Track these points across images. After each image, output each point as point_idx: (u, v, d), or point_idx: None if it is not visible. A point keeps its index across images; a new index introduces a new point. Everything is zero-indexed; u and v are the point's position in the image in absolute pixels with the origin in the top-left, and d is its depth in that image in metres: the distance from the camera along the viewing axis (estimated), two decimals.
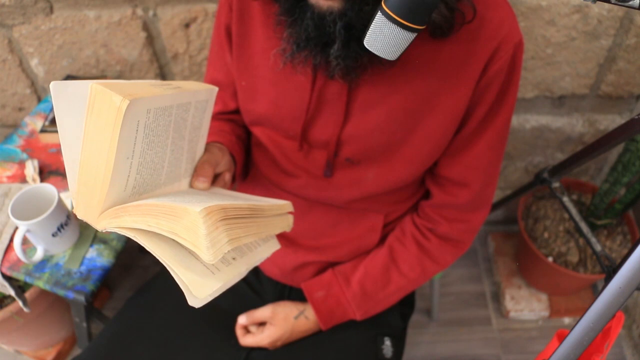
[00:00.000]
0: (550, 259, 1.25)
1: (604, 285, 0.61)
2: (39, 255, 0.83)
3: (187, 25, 1.08)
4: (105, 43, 1.11)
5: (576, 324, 0.62)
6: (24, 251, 0.81)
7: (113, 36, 1.09)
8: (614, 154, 1.33)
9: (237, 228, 0.48)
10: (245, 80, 0.71)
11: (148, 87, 0.48)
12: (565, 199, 0.94)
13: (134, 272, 1.53)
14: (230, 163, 0.69)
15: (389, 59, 0.50)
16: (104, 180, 0.46)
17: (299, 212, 0.78)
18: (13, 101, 1.25)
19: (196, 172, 0.61)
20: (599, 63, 1.10)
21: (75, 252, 0.87)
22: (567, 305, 1.39)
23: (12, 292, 0.89)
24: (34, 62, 1.15)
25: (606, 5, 0.99)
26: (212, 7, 1.05)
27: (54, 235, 0.82)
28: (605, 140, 0.79)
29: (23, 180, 0.98)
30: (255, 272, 0.89)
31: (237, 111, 0.81)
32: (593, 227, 1.26)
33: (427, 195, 0.80)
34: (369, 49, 0.50)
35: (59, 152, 1.03)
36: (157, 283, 0.85)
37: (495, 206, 1.14)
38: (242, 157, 0.79)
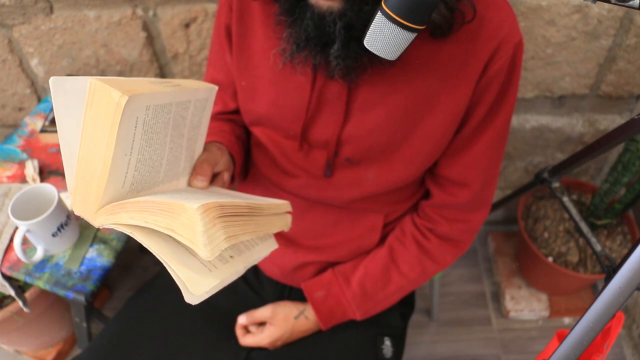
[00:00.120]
0: (550, 259, 1.25)
1: (604, 285, 0.61)
2: (39, 255, 0.83)
3: (187, 25, 1.08)
4: (105, 43, 1.11)
5: (576, 324, 0.62)
6: (24, 251, 0.81)
7: (113, 36, 1.09)
8: (614, 154, 1.33)
9: (234, 226, 0.48)
10: (245, 80, 0.71)
11: (147, 84, 0.48)
12: (565, 199, 0.94)
13: (134, 272, 1.53)
14: (229, 162, 0.69)
15: (389, 59, 0.50)
16: (102, 176, 0.46)
17: (299, 212, 0.79)
18: (13, 101, 1.25)
19: (195, 171, 0.61)
20: (599, 63, 1.10)
21: (75, 252, 0.87)
22: (567, 305, 1.39)
23: (12, 292, 0.89)
24: (34, 62, 1.15)
25: (606, 5, 0.99)
26: (212, 7, 1.05)
27: (54, 235, 0.82)
28: (605, 140, 0.79)
29: (23, 180, 0.98)
30: (255, 272, 0.89)
31: (237, 111, 0.81)
32: (593, 227, 1.26)
33: (427, 195, 0.80)
34: (369, 49, 0.50)
35: (59, 152, 1.03)
36: (157, 283, 0.85)
37: (495, 206, 1.14)
38: (241, 157, 0.79)
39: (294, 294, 0.85)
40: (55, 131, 1.00)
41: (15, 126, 1.32)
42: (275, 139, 0.73)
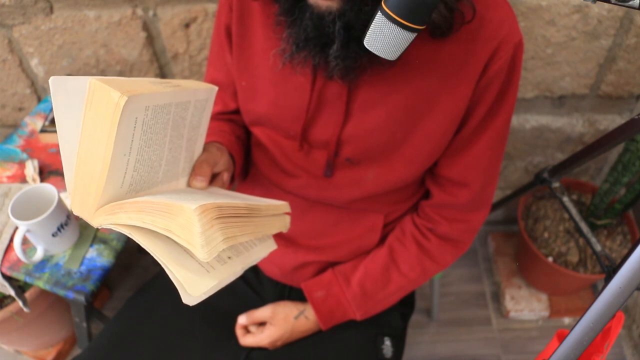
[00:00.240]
0: (550, 259, 1.25)
1: (604, 285, 0.61)
2: (39, 255, 0.83)
3: (187, 25, 1.08)
4: (105, 43, 1.11)
5: (576, 324, 0.62)
6: (24, 251, 0.81)
7: (113, 36, 1.09)
8: (614, 154, 1.33)
9: (232, 227, 0.48)
10: (245, 80, 0.71)
11: (147, 85, 0.48)
12: (565, 199, 0.94)
13: (134, 272, 1.53)
14: (229, 163, 0.69)
15: (389, 59, 0.50)
16: (101, 176, 0.46)
17: (299, 212, 0.79)
18: (13, 101, 1.25)
19: (194, 171, 0.61)
20: (599, 63, 1.10)
21: (75, 252, 0.87)
22: (567, 305, 1.39)
23: (12, 292, 0.89)
24: (34, 62, 1.15)
25: (606, 5, 0.99)
26: (212, 7, 1.05)
27: (54, 235, 0.82)
28: (605, 140, 0.79)
29: (23, 180, 0.98)
30: (255, 272, 0.89)
31: (237, 111, 0.81)
32: (593, 227, 1.26)
33: (427, 195, 0.80)
34: (369, 49, 0.50)
35: (58, 152, 1.02)
36: (157, 283, 0.85)
37: (495, 206, 1.14)
38: (241, 157, 0.79)
39: (294, 294, 0.85)
40: (55, 131, 1.00)
41: (15, 126, 1.32)
42: (276, 139, 0.73)
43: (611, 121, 1.25)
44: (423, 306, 1.43)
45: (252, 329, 0.81)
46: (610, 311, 0.59)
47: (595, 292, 1.43)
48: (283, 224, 0.61)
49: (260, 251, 0.60)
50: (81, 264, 0.86)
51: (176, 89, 0.51)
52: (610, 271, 0.69)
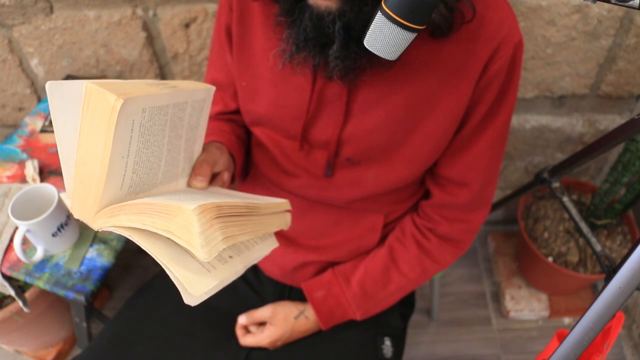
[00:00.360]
0: (550, 259, 1.25)
1: (604, 285, 0.61)
2: (39, 255, 0.83)
3: (187, 25, 1.08)
4: (105, 43, 1.11)
5: (576, 324, 0.62)
6: (24, 251, 0.81)
7: (113, 36, 1.09)
8: (614, 154, 1.33)
9: (232, 226, 0.48)
10: (246, 80, 0.71)
11: (143, 87, 0.48)
12: (565, 199, 0.94)
13: (134, 272, 1.53)
14: (229, 162, 0.69)
15: (389, 59, 0.50)
16: (100, 179, 0.46)
17: (299, 212, 0.79)
18: (13, 101, 1.25)
19: (194, 171, 0.61)
20: (599, 63, 1.10)
21: (75, 252, 0.87)
22: (567, 305, 1.39)
23: (12, 292, 0.89)
24: (34, 62, 1.15)
25: (606, 5, 0.99)
26: (212, 7, 1.05)
27: (54, 235, 0.82)
28: (605, 140, 0.79)
29: (23, 180, 0.98)
30: (255, 272, 0.89)
31: (237, 111, 0.81)
32: (593, 227, 1.26)
33: (427, 195, 0.80)
34: (369, 49, 0.50)
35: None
36: (157, 283, 0.85)
37: (495, 206, 1.14)
38: (241, 157, 0.79)
39: (294, 294, 0.85)
40: None
41: (15, 126, 1.32)
42: (276, 139, 0.73)
43: (611, 121, 1.25)
44: (423, 306, 1.43)
45: (252, 329, 0.81)
46: (610, 311, 0.59)
47: (595, 292, 1.43)
48: (284, 222, 0.61)
49: (261, 249, 0.60)
50: (81, 264, 0.86)
51: (173, 90, 0.51)
52: (610, 271, 0.69)
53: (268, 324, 0.79)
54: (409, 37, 0.48)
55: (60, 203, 0.81)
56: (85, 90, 0.44)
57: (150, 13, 1.06)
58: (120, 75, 1.18)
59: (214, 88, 0.60)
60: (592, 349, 0.65)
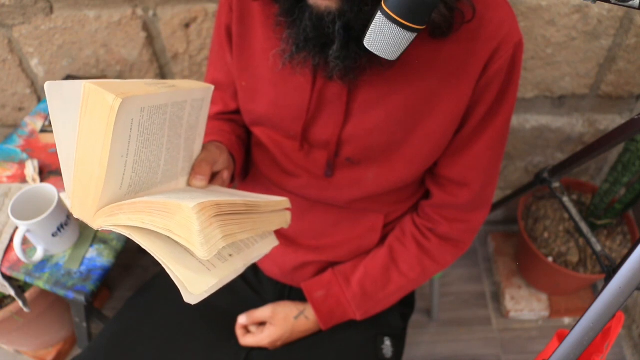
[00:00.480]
0: (550, 259, 1.25)
1: (604, 285, 0.61)
2: (39, 255, 0.83)
3: (187, 25, 1.08)
4: (105, 43, 1.11)
5: (576, 324, 0.62)
6: (24, 251, 0.81)
7: (113, 36, 1.09)
8: (614, 154, 1.33)
9: (232, 224, 0.48)
10: (246, 80, 0.71)
11: (142, 86, 0.48)
12: (565, 199, 0.94)
13: (134, 272, 1.53)
14: (228, 161, 0.69)
15: (389, 59, 0.50)
16: (99, 178, 0.46)
17: (300, 212, 0.79)
18: (13, 101, 1.25)
19: (193, 171, 0.61)
20: (599, 63, 1.10)
21: (75, 252, 0.87)
22: (567, 305, 1.39)
23: (12, 292, 0.89)
24: (34, 62, 1.15)
25: (606, 5, 0.99)
26: (212, 7, 1.05)
27: (54, 235, 0.82)
28: (605, 140, 0.79)
29: (23, 180, 0.98)
30: (255, 271, 0.89)
31: (237, 111, 0.81)
32: (593, 227, 1.26)
33: (427, 195, 0.80)
34: (369, 49, 0.50)
35: None
36: (157, 283, 0.85)
37: (495, 206, 1.14)
38: (241, 156, 0.79)
39: (294, 294, 0.85)
40: None
41: (15, 126, 1.32)
42: (276, 139, 0.73)
43: (611, 121, 1.25)
44: (423, 306, 1.43)
45: (252, 329, 0.81)
46: (610, 311, 0.59)
47: (595, 292, 1.43)
48: (284, 220, 0.61)
49: (261, 248, 0.60)
50: (81, 264, 0.86)
51: (172, 89, 0.51)
52: (610, 271, 0.69)
53: (268, 324, 0.79)
54: (409, 37, 0.48)
55: (60, 203, 0.81)
56: (83, 90, 0.44)
57: (150, 13, 1.06)
58: (120, 75, 1.18)
59: (212, 87, 0.60)
60: (592, 349, 0.65)
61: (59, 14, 1.06)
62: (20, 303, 0.94)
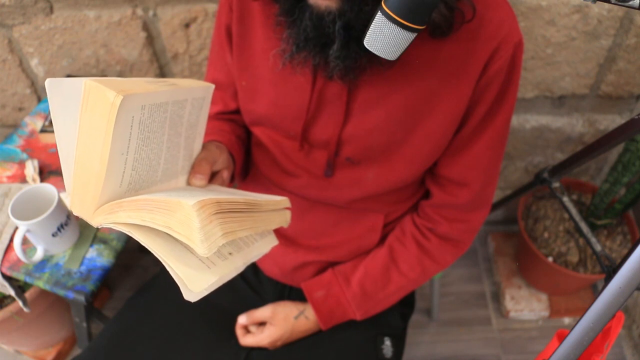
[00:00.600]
0: (550, 259, 1.25)
1: (604, 285, 0.61)
2: (39, 255, 0.83)
3: (187, 25, 1.08)
4: (105, 43, 1.11)
5: (576, 324, 0.62)
6: (24, 251, 0.81)
7: (113, 36, 1.09)
8: (614, 154, 1.33)
9: (231, 222, 0.48)
10: (246, 80, 0.71)
11: (143, 84, 0.48)
12: (565, 199, 0.94)
13: (134, 272, 1.53)
14: (228, 161, 0.69)
15: (389, 59, 0.50)
16: (99, 176, 0.46)
17: (300, 212, 0.79)
18: (13, 101, 1.25)
19: (193, 169, 0.61)
20: (599, 63, 1.10)
21: (75, 252, 0.87)
22: (567, 305, 1.39)
23: (12, 292, 0.89)
24: (34, 62, 1.15)
25: (606, 5, 0.99)
26: (212, 7, 1.05)
27: (54, 235, 0.82)
28: (605, 140, 0.79)
29: (23, 180, 0.98)
30: (255, 271, 0.89)
31: (237, 111, 0.81)
32: (593, 227, 1.26)
33: (427, 195, 0.80)
34: (369, 49, 0.50)
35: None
36: (157, 283, 0.85)
37: (495, 206, 1.14)
38: (241, 156, 0.79)
39: (294, 294, 0.85)
40: None
41: (15, 126, 1.32)
42: (276, 139, 0.73)
43: (611, 121, 1.25)
44: (423, 306, 1.43)
45: (252, 328, 0.81)
46: (610, 311, 0.59)
47: (595, 292, 1.43)
48: (283, 219, 0.61)
49: (261, 247, 0.60)
50: (81, 264, 0.86)
51: (172, 87, 0.51)
52: (610, 271, 0.69)
53: (268, 324, 0.79)
54: (409, 37, 0.48)
55: (60, 203, 0.81)
56: (84, 87, 0.44)
57: (150, 13, 1.06)
58: (120, 75, 1.18)
59: (213, 86, 0.60)
60: (592, 349, 0.65)
61: (59, 14, 1.06)
62: (20, 303, 0.94)
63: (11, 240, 0.88)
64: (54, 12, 1.06)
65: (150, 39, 1.11)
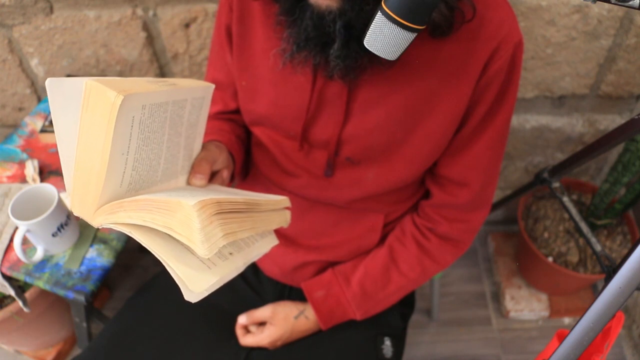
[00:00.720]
0: (550, 259, 1.25)
1: (604, 285, 0.61)
2: (39, 255, 0.83)
3: (187, 25, 1.08)
4: (105, 43, 1.11)
5: (576, 324, 0.62)
6: (24, 251, 0.81)
7: (113, 36, 1.09)
8: (614, 154, 1.33)
9: (232, 222, 0.48)
10: (246, 80, 0.71)
11: (143, 84, 0.48)
12: (565, 199, 0.94)
13: (134, 272, 1.53)
14: (228, 161, 0.69)
15: (389, 59, 0.50)
16: (99, 176, 0.46)
17: (300, 212, 0.79)
18: (13, 101, 1.25)
19: (193, 169, 0.61)
20: (599, 63, 1.10)
21: (75, 252, 0.87)
22: (567, 305, 1.39)
23: (12, 292, 0.89)
24: (34, 62, 1.15)
25: (606, 5, 0.99)
26: (212, 7, 1.05)
27: (54, 235, 0.82)
28: (605, 140, 0.79)
29: (23, 180, 0.98)
30: (255, 271, 0.89)
31: (237, 111, 0.81)
32: (593, 227, 1.26)
33: (427, 195, 0.80)
34: (369, 49, 0.50)
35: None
36: (157, 283, 0.85)
37: (495, 206, 1.14)
38: (241, 156, 0.79)
39: (294, 294, 0.85)
40: None
41: (15, 126, 1.32)
42: (276, 139, 0.73)
43: (611, 121, 1.25)
44: (423, 306, 1.43)
45: (252, 328, 0.81)
46: (610, 311, 0.59)
47: (595, 292, 1.43)
48: (284, 219, 0.61)
49: (261, 246, 0.60)
50: (81, 264, 0.86)
51: (172, 87, 0.51)
52: (610, 271, 0.69)
53: (268, 324, 0.79)
54: (409, 37, 0.48)
55: (60, 203, 0.81)
56: (85, 87, 0.44)
57: (150, 13, 1.06)
58: (120, 75, 1.18)
59: (213, 86, 0.60)
60: (592, 349, 0.65)
61: (59, 14, 1.06)
62: (20, 303, 0.94)
63: (11, 240, 0.88)
64: (54, 12, 1.06)
65: (150, 39, 1.11)
